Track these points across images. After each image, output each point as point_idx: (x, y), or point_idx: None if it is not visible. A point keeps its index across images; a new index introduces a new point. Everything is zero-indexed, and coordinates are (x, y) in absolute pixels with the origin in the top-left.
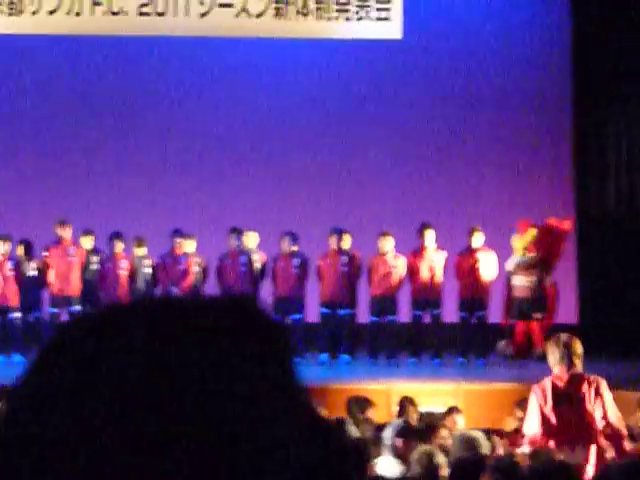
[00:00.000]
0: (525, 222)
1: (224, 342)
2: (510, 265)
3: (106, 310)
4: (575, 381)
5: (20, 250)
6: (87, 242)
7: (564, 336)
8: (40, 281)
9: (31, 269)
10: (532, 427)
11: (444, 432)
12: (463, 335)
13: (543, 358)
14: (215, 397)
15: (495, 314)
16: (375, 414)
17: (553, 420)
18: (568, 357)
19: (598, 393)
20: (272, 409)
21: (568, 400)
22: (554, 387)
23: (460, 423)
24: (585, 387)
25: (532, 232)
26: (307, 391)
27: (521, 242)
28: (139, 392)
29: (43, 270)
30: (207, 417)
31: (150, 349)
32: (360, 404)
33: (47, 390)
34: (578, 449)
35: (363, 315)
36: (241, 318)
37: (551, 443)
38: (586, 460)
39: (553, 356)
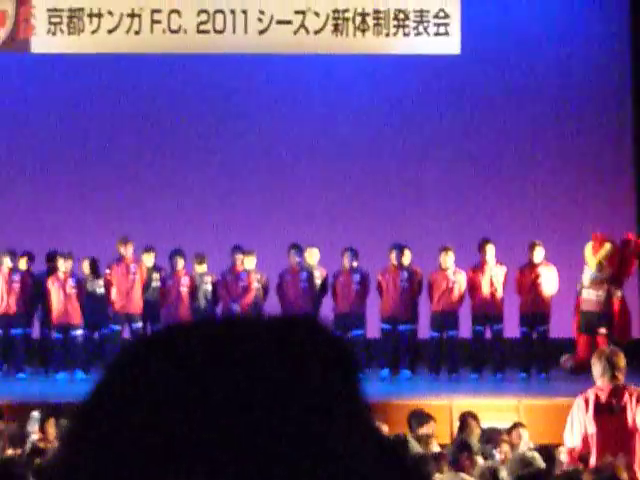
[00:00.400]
0: (600, 236)
1: (292, 362)
2: (585, 279)
3: (172, 329)
4: (617, 393)
5: (86, 267)
6: (148, 259)
7: (607, 349)
8: (104, 298)
9: (97, 286)
10: (573, 438)
11: (506, 447)
12: (524, 350)
13: None
14: (287, 417)
15: (556, 329)
16: (436, 430)
17: (594, 430)
18: (611, 370)
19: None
20: (344, 428)
21: (609, 411)
22: (596, 398)
23: (525, 438)
24: (626, 398)
25: (607, 246)
26: (371, 409)
27: (596, 256)
28: (210, 413)
29: (106, 288)
30: (280, 436)
31: (217, 370)
32: (421, 420)
33: (113, 408)
34: (619, 458)
35: (424, 330)
36: (307, 337)
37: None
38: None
39: (596, 369)
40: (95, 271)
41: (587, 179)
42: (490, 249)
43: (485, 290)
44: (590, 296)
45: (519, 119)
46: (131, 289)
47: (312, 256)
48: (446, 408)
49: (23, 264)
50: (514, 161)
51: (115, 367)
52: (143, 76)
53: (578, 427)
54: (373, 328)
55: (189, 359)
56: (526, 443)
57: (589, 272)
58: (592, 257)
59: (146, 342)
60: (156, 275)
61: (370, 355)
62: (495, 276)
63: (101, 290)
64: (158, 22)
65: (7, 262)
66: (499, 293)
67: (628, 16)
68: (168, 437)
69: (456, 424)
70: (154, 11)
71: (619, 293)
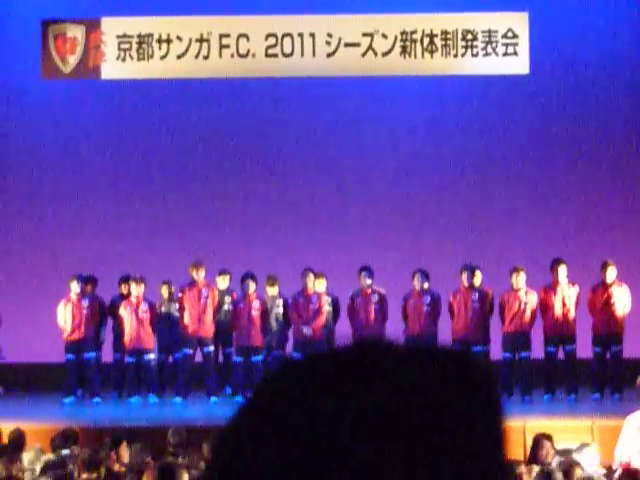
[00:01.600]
0: None
1: (445, 394)
2: None
3: (318, 357)
4: None
5: (164, 291)
6: (222, 282)
7: None
8: (178, 322)
9: (173, 310)
10: (624, 453)
11: (579, 471)
12: (598, 370)
13: None
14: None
15: (630, 349)
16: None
17: None
18: None
19: None
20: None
21: None
22: None
23: (595, 460)
24: None
25: None
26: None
27: None
28: (360, 439)
29: (179, 311)
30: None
31: (371, 400)
32: None
33: (263, 432)
34: None
35: (496, 352)
36: (459, 370)
37: None
38: None
39: None
40: (171, 294)
41: None
42: (562, 269)
43: (557, 310)
44: None
45: (589, 138)
46: (203, 313)
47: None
48: (519, 429)
49: (90, 288)
50: (586, 180)
51: (267, 392)
52: (212, 100)
53: (629, 443)
54: None
55: (342, 389)
56: (596, 464)
57: None
58: None
59: (294, 369)
60: (228, 298)
61: None
62: (567, 296)
63: (176, 314)
64: (226, 46)
65: (75, 287)
66: (571, 313)
67: None
68: (323, 462)
69: (529, 446)
70: (222, 36)
71: None
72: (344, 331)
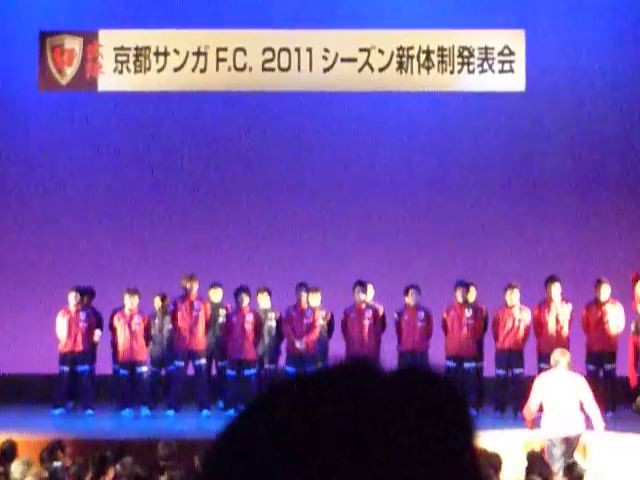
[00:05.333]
0: None
1: (417, 415)
2: None
3: (303, 379)
4: None
5: (157, 303)
6: (215, 295)
7: None
8: (171, 334)
9: (166, 322)
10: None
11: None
12: (591, 388)
13: None
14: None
15: (624, 367)
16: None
17: None
18: None
19: None
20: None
21: None
22: None
23: None
24: None
25: None
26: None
27: None
28: (340, 459)
29: (172, 324)
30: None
31: (351, 422)
32: (488, 459)
33: (251, 448)
34: None
35: (489, 368)
36: (430, 391)
37: None
38: None
39: None
40: (165, 307)
41: None
42: (556, 287)
43: (551, 328)
44: None
45: (584, 156)
46: (195, 325)
47: (370, 293)
48: (513, 446)
49: (87, 300)
50: (580, 199)
51: (254, 411)
52: (208, 113)
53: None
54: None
55: (321, 410)
56: None
57: None
58: None
59: (278, 391)
60: (222, 311)
61: None
62: (561, 314)
63: (169, 326)
64: (223, 60)
65: (73, 299)
66: (565, 331)
67: None
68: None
69: (523, 462)
70: (220, 49)
71: None
72: (338, 346)
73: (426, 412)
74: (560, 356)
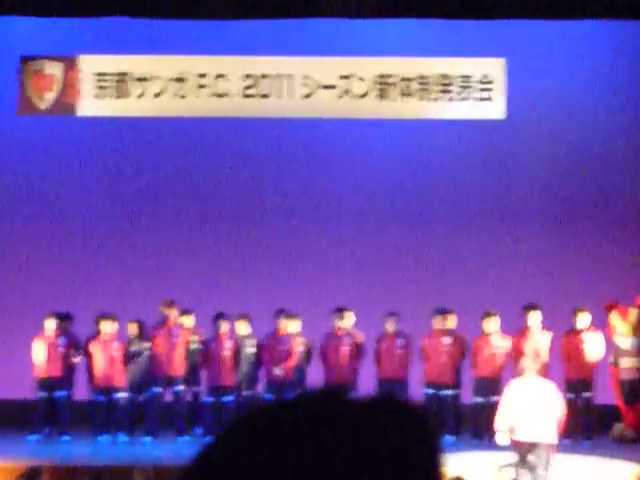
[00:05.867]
0: (619, 304)
1: (387, 441)
2: (622, 347)
3: (273, 408)
4: None
5: (133, 329)
6: (187, 321)
7: None
8: (149, 360)
9: (144, 349)
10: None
11: None
12: (569, 416)
13: None
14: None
15: (602, 395)
16: None
17: None
18: None
19: None
20: None
21: None
22: None
23: None
24: None
25: (634, 313)
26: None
27: (627, 324)
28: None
29: (151, 350)
30: None
31: (321, 449)
32: None
33: (224, 472)
34: None
35: (467, 395)
36: (399, 419)
37: None
38: None
39: None
40: (142, 333)
41: (629, 245)
42: (535, 315)
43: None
44: (631, 365)
45: (563, 183)
46: (172, 351)
47: (349, 320)
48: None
49: (65, 326)
50: (558, 227)
51: (225, 440)
52: (188, 139)
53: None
54: (416, 393)
55: (287, 440)
56: None
57: (624, 340)
58: (624, 324)
59: (248, 419)
60: (194, 337)
61: None
62: (540, 342)
63: (146, 352)
64: (204, 86)
65: (50, 325)
66: (544, 359)
67: None
68: None
69: None
70: (200, 75)
71: None
72: (317, 372)
73: (394, 441)
74: (529, 363)
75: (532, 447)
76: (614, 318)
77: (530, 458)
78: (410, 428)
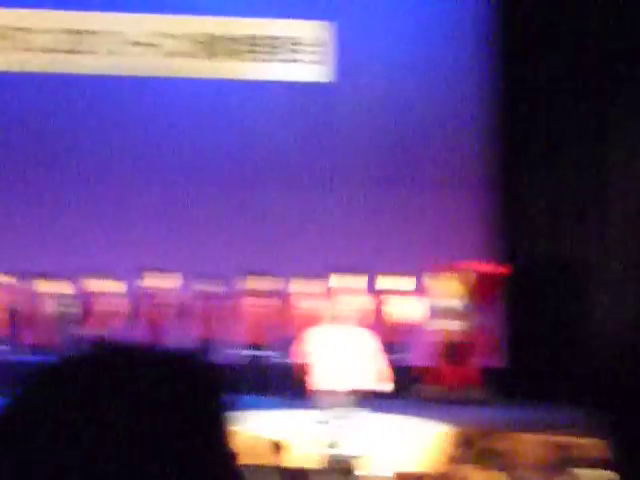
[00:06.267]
0: (451, 266)
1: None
2: (447, 309)
3: (74, 358)
4: None
5: None
6: None
7: None
8: None
9: None
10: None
11: None
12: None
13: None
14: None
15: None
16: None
17: None
18: None
19: None
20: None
21: None
22: None
23: None
24: None
25: (467, 277)
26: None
27: (459, 287)
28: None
29: None
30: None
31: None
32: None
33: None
34: None
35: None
36: (187, 369)
37: None
38: None
39: None
40: None
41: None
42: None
43: None
44: (453, 327)
45: (392, 149)
46: None
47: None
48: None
49: None
50: (387, 190)
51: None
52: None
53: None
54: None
55: (87, 391)
56: None
57: (451, 301)
58: (454, 286)
59: (47, 373)
60: None
61: None
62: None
63: None
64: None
65: None
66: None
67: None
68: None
69: None
70: (20, 29)
71: (478, 322)
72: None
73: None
74: (334, 311)
75: (335, 395)
76: (442, 281)
77: (334, 408)
78: (183, 380)
